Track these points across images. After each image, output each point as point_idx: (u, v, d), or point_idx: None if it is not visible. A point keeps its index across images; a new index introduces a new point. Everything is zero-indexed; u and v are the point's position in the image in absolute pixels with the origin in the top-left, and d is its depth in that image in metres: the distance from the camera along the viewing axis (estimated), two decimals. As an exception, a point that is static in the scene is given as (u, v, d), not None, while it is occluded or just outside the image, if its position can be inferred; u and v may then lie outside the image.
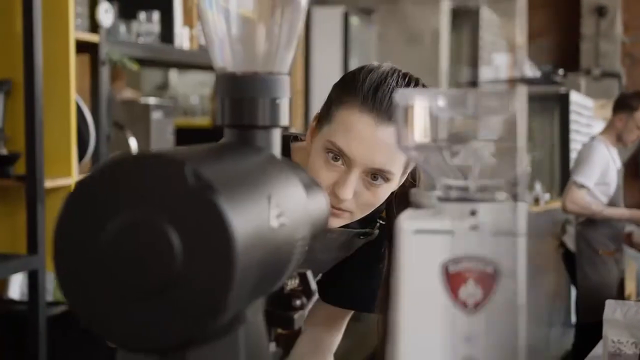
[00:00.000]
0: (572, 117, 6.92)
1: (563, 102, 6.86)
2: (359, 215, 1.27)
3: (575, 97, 6.99)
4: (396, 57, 5.20)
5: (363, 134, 1.20)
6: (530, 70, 5.69)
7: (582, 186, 4.23)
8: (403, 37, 5.75)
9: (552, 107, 6.87)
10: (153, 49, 3.03)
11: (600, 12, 9.19)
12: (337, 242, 1.39)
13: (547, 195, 6.07)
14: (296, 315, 0.79)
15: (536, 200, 5.81)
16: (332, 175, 1.23)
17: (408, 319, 0.68)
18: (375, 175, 1.23)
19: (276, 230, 0.70)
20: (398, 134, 0.72)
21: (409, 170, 1.30)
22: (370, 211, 1.27)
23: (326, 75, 5.09)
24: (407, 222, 0.70)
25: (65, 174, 2.53)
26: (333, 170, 1.23)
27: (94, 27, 2.69)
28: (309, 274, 0.85)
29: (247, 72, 0.82)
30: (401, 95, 0.72)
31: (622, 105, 4.36)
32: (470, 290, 0.68)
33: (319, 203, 0.89)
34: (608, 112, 8.44)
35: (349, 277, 1.44)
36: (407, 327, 0.68)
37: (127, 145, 2.92)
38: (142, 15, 3.04)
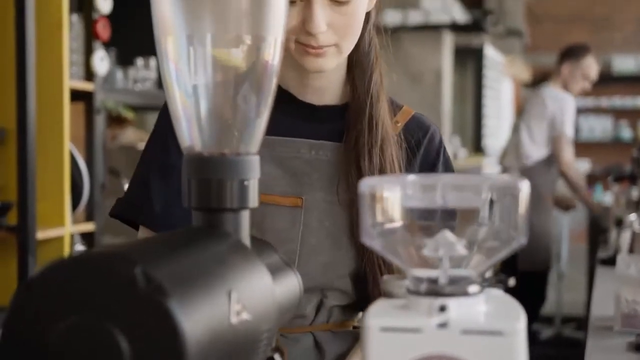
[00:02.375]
0: (485, 71, 7.03)
1: (477, 56, 6.94)
2: (347, 45, 1.18)
3: (488, 52, 7.06)
4: (399, 96, 5.18)
5: None
6: (460, 15, 5.70)
7: (570, 139, 4.27)
8: (406, 77, 5.75)
9: (465, 59, 6.95)
10: (149, 95, 3.03)
11: None
12: None
13: (464, 151, 6.20)
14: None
15: (454, 156, 5.94)
16: (293, 14, 1.13)
17: None
18: None
19: (237, 326, 0.66)
20: (363, 221, 0.69)
21: None
22: (355, 37, 1.18)
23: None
24: (374, 319, 0.67)
25: (59, 224, 2.50)
26: (293, 9, 1.13)
27: (90, 74, 2.68)
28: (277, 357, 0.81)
29: (215, 153, 0.80)
30: (366, 184, 0.69)
31: (569, 54, 4.46)
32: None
33: (288, 286, 0.86)
34: (517, 69, 8.54)
35: None
36: None
37: (123, 194, 2.89)
38: (140, 61, 3.04)
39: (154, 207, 1.21)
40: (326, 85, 1.26)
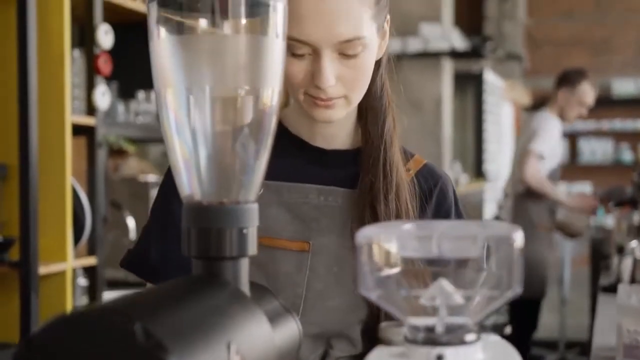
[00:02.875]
0: (485, 97, 7.05)
1: (477, 81, 6.96)
2: (356, 96, 1.17)
3: (488, 77, 7.10)
4: (399, 124, 5.20)
5: (311, 13, 1.08)
6: (459, 42, 5.73)
7: (540, 156, 4.26)
8: (406, 104, 5.77)
9: (465, 85, 6.98)
10: (151, 129, 3.04)
11: None
12: None
13: (465, 176, 6.22)
14: None
15: (456, 182, 5.93)
16: (302, 68, 1.12)
17: None
18: (348, 46, 1.11)
19: (236, 377, 0.67)
20: (360, 271, 0.70)
21: (385, 23, 1.20)
22: (364, 88, 1.17)
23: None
24: (371, 368, 0.67)
25: (61, 259, 2.51)
26: (301, 63, 1.12)
27: (91, 109, 2.70)
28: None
29: (214, 202, 0.81)
30: (362, 234, 0.70)
31: (564, 80, 4.46)
32: None
33: (288, 332, 0.86)
34: (516, 93, 8.58)
35: None
36: None
37: (125, 226, 2.91)
38: (141, 94, 3.06)
39: (151, 260, 1.22)
40: (336, 132, 1.26)
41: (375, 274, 0.70)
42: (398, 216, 1.20)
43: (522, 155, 4.33)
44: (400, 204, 1.21)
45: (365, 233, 0.70)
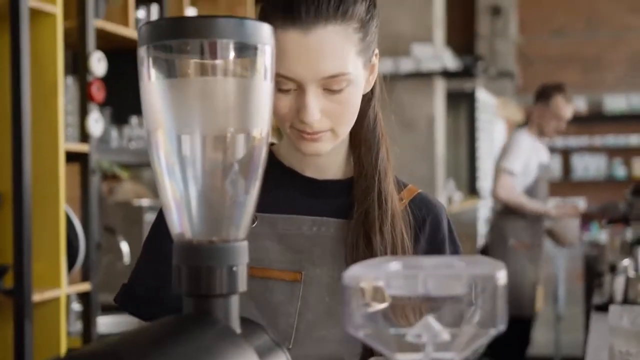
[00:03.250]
0: (477, 114, 7.09)
1: (470, 99, 7.00)
2: (343, 130, 1.18)
3: (481, 95, 7.14)
4: (392, 143, 5.23)
5: (295, 50, 1.10)
6: (451, 62, 5.76)
7: (511, 173, 4.27)
8: (399, 123, 5.80)
9: (458, 103, 7.02)
10: (144, 154, 3.06)
11: (495, 11, 9.42)
12: None
13: (459, 194, 6.26)
14: None
15: (449, 200, 5.98)
16: (287, 103, 1.14)
17: None
18: (333, 82, 1.12)
19: (227, 417, 0.68)
20: (346, 310, 0.72)
21: (373, 56, 1.21)
22: (351, 122, 1.18)
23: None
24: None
25: (55, 286, 2.51)
26: (287, 97, 1.13)
27: (85, 136, 2.72)
28: None
29: (204, 241, 0.82)
30: (349, 274, 0.71)
31: (539, 96, 4.48)
32: None
33: (279, 367, 0.87)
34: (509, 110, 8.62)
35: None
36: None
37: (119, 250, 2.91)
38: (134, 120, 3.08)
39: (137, 296, 1.24)
40: (327, 162, 1.27)
41: (362, 312, 0.72)
42: (394, 246, 1.21)
43: (495, 173, 4.38)
44: (395, 234, 1.22)
45: (352, 272, 0.71)
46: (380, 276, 0.71)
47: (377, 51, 1.22)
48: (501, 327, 0.70)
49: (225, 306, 0.81)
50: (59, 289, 2.53)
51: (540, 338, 6.51)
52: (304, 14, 1.09)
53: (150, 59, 0.81)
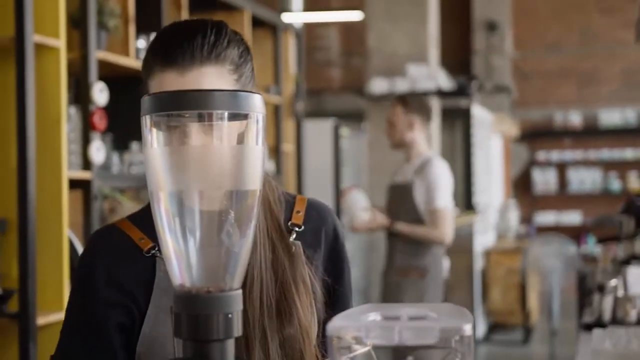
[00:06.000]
0: (473, 131, 7.17)
1: (465, 116, 7.08)
2: None
3: (476, 111, 7.23)
4: (387, 164, 5.33)
5: (170, 89, 1.18)
6: (445, 82, 5.83)
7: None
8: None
9: (454, 120, 7.09)
10: (144, 179, 3.14)
11: (491, 27, 9.51)
12: None
13: (455, 210, 6.34)
14: None
15: None
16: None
17: None
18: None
19: None
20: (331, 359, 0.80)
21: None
22: None
23: (319, 186, 5.22)
24: None
25: (59, 309, 2.59)
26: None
27: (87, 163, 2.80)
28: None
29: (202, 290, 0.91)
30: (332, 326, 0.80)
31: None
32: None
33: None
34: (505, 125, 8.66)
35: None
36: None
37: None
38: (135, 145, 3.16)
39: None
40: None
41: (343, 359, 0.80)
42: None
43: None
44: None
45: (334, 324, 0.80)
46: (359, 328, 0.79)
47: None
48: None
49: (221, 350, 0.90)
50: (62, 312, 2.60)
51: (536, 351, 6.59)
52: (180, 57, 1.19)
53: (153, 128, 0.90)
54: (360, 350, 0.80)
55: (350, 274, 1.39)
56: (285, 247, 1.28)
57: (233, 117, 0.91)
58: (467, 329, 0.78)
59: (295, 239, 1.30)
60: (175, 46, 1.19)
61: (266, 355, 1.22)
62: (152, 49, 1.23)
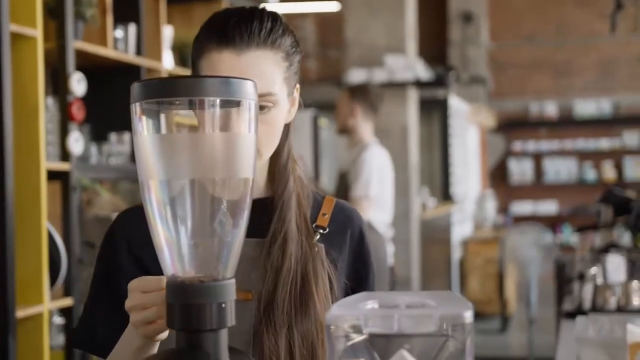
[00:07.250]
0: (450, 121, 7.22)
1: (442, 107, 7.13)
2: (266, 151, 1.24)
3: (453, 102, 7.28)
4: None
5: (229, 69, 1.19)
6: (423, 73, 5.85)
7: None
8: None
9: (431, 111, 7.13)
10: (123, 170, 3.11)
11: (467, 18, 9.56)
12: None
13: (433, 200, 6.38)
14: None
15: (423, 206, 6.08)
16: None
17: None
18: (262, 100, 1.19)
19: None
20: (329, 348, 0.79)
21: (294, 90, 1.28)
22: (274, 144, 1.24)
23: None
24: None
25: (37, 302, 2.56)
26: None
27: (65, 154, 2.77)
28: None
29: (194, 280, 0.89)
30: (330, 314, 0.79)
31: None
32: None
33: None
34: (481, 116, 8.71)
35: None
36: None
37: (100, 266, 2.95)
38: (113, 136, 3.13)
39: (100, 337, 1.25)
40: None
41: (341, 347, 0.79)
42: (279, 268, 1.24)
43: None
44: (284, 257, 1.24)
45: (333, 312, 0.79)
46: (358, 316, 0.78)
47: (298, 86, 1.30)
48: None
49: (215, 340, 0.88)
50: (42, 305, 2.58)
51: (514, 340, 6.63)
52: (237, 38, 1.19)
53: (143, 115, 0.88)
54: (357, 338, 0.79)
55: (375, 278, 1.37)
56: (309, 243, 1.27)
57: (225, 105, 0.89)
58: (468, 316, 0.77)
59: (320, 240, 1.29)
60: (233, 27, 1.20)
61: (291, 344, 1.21)
62: (207, 28, 1.24)
